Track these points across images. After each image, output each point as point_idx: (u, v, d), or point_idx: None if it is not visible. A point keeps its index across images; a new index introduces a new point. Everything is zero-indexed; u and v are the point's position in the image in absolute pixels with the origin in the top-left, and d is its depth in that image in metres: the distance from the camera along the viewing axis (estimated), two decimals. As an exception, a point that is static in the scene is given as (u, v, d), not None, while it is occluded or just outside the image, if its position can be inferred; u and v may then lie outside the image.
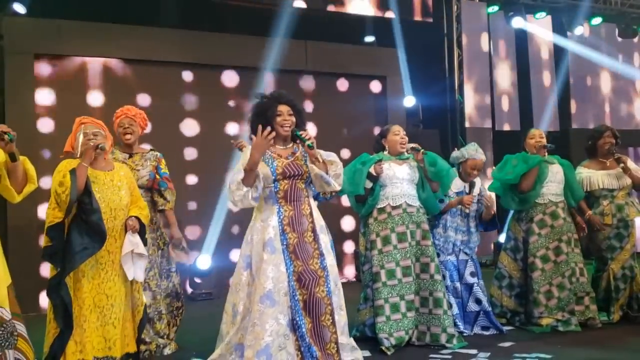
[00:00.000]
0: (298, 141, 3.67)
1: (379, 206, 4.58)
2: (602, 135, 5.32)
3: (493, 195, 5.17)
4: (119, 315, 3.67)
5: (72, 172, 3.57)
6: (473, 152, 5.02)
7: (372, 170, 4.46)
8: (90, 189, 3.61)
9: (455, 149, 5.20)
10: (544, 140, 5.12)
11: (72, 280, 3.59)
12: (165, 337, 4.52)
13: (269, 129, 3.46)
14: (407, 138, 4.70)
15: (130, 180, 3.95)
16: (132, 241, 3.75)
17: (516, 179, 5.02)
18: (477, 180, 5.11)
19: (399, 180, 4.58)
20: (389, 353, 4.33)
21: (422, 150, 4.56)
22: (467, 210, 5.01)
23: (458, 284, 4.94)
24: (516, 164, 5.06)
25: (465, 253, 5.01)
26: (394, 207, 4.56)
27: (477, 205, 5.11)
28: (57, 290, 3.54)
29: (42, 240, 3.69)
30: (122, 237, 3.76)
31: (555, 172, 5.14)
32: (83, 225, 3.58)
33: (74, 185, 3.52)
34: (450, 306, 4.66)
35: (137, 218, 3.83)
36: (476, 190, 5.07)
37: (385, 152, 4.71)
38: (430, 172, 4.64)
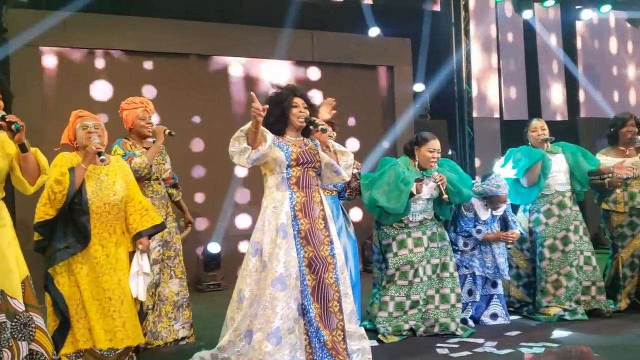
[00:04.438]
0: (311, 128, 3.74)
1: (397, 219, 4.62)
2: (625, 123, 5.22)
3: (518, 233, 4.94)
4: (119, 308, 3.68)
5: (71, 171, 3.58)
6: (494, 189, 4.75)
7: (413, 189, 4.45)
8: (83, 189, 3.63)
9: (477, 178, 4.97)
10: (546, 133, 5.07)
11: (68, 274, 3.63)
12: (192, 326, 4.60)
13: (266, 106, 3.44)
14: (439, 156, 4.66)
15: (127, 174, 3.94)
16: (140, 263, 3.80)
17: (520, 173, 5.01)
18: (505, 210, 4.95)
19: (423, 200, 4.61)
20: (385, 341, 4.39)
21: (446, 197, 4.43)
22: (510, 244, 4.94)
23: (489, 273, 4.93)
24: (520, 157, 5.02)
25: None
26: (411, 221, 4.63)
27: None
28: (48, 284, 3.61)
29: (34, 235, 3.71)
30: (116, 233, 3.77)
31: (559, 162, 5.11)
32: (70, 224, 3.63)
33: (72, 186, 3.55)
34: (458, 299, 4.66)
35: (149, 233, 3.88)
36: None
37: (413, 163, 4.66)
38: (445, 202, 4.63)
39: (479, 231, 4.84)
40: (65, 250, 3.60)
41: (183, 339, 4.54)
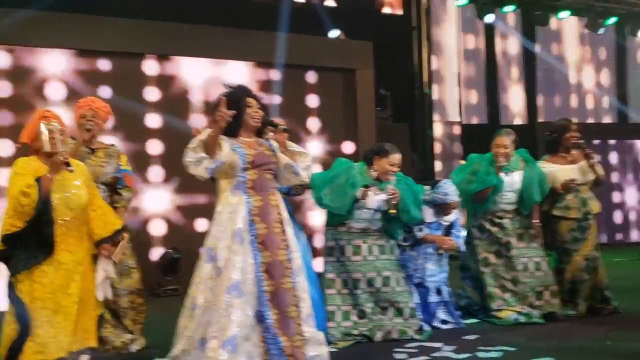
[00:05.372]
0: (268, 130, 3.71)
1: (341, 220, 4.62)
2: (568, 129, 5.24)
3: (455, 244, 4.97)
4: (76, 312, 3.61)
5: (39, 182, 3.47)
6: (442, 196, 4.83)
7: (357, 194, 4.45)
8: (48, 199, 3.53)
9: (426, 189, 4.93)
10: (508, 151, 4.97)
11: (30, 282, 3.51)
12: (132, 333, 4.48)
13: (233, 111, 3.39)
14: (399, 170, 4.65)
15: (88, 178, 3.84)
16: (106, 268, 3.78)
17: (472, 191, 5.03)
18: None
19: (369, 209, 4.60)
20: (337, 346, 4.34)
21: (394, 212, 4.48)
22: (442, 251, 4.92)
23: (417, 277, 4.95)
24: (476, 170, 5.01)
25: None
26: (353, 227, 4.63)
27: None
28: (10, 292, 3.51)
29: None
30: (82, 237, 3.70)
31: (513, 183, 5.08)
32: (36, 234, 3.52)
33: (41, 198, 3.45)
34: (412, 314, 4.67)
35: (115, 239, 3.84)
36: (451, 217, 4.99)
37: (371, 172, 4.62)
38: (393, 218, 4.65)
39: (420, 229, 4.87)
40: (30, 259, 3.50)
41: (132, 341, 4.43)
